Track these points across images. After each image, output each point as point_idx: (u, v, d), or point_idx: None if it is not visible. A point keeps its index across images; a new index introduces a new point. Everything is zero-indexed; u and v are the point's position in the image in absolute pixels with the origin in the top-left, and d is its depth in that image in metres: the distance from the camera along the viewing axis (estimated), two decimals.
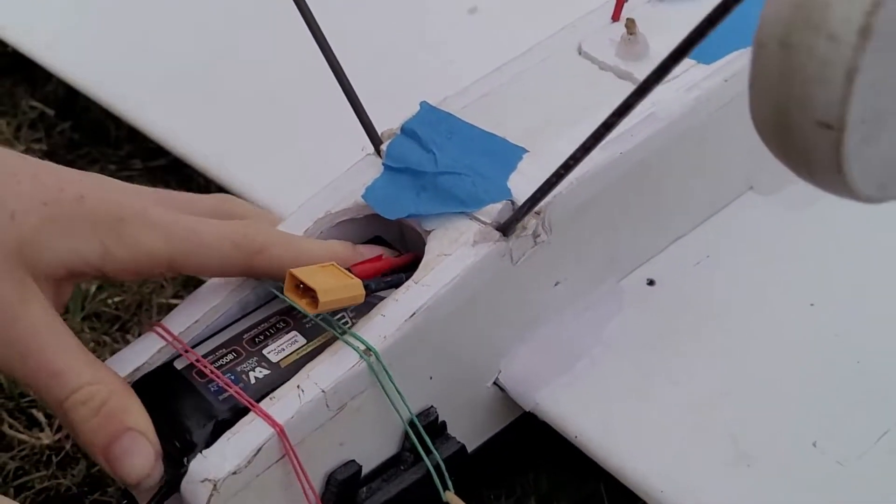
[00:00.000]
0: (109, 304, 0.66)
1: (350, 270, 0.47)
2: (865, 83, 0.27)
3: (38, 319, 0.44)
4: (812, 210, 0.58)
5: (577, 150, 0.43)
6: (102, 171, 0.74)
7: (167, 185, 0.73)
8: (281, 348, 0.48)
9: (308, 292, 0.45)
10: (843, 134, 0.27)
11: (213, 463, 0.44)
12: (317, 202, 0.52)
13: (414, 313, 0.47)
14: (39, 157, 0.68)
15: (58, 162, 0.74)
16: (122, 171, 0.75)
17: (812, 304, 0.54)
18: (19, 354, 0.44)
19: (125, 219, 0.45)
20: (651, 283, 0.56)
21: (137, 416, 0.45)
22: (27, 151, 0.76)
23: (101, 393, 0.44)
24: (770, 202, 0.59)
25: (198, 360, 0.47)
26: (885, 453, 0.48)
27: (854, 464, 0.48)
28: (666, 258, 0.57)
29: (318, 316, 0.47)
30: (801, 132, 0.28)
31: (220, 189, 0.66)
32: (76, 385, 0.44)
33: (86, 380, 0.44)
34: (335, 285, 0.45)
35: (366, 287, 0.47)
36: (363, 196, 0.51)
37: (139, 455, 0.44)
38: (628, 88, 0.54)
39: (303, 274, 0.45)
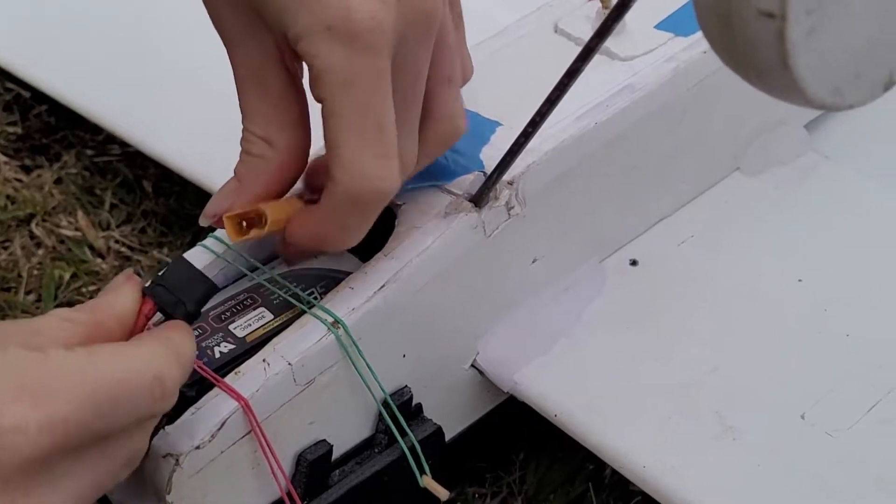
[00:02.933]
0: (84, 294, 0.65)
1: None
2: None
3: None
4: (799, 189, 0.58)
5: (542, 105, 0.42)
6: (79, 156, 0.75)
7: (146, 171, 0.73)
8: (247, 324, 0.47)
9: (251, 227, 0.45)
10: (786, 23, 0.27)
11: (176, 438, 0.43)
12: None
13: (383, 285, 0.47)
14: (14, 141, 0.67)
15: (34, 146, 0.74)
16: (101, 156, 0.75)
17: (800, 280, 0.54)
18: None
19: None
20: (634, 263, 0.55)
21: None
22: (1, 135, 0.76)
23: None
24: (757, 182, 0.58)
25: None
26: (876, 423, 0.48)
27: (844, 435, 0.47)
28: (650, 238, 0.56)
29: (286, 291, 0.47)
30: (744, 24, 0.27)
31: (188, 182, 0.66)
32: None
33: None
34: (282, 216, 0.45)
35: None
36: None
37: None
38: (605, 63, 0.54)
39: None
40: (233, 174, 0.45)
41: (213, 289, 0.44)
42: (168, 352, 0.39)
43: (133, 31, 0.75)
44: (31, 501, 0.35)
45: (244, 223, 0.45)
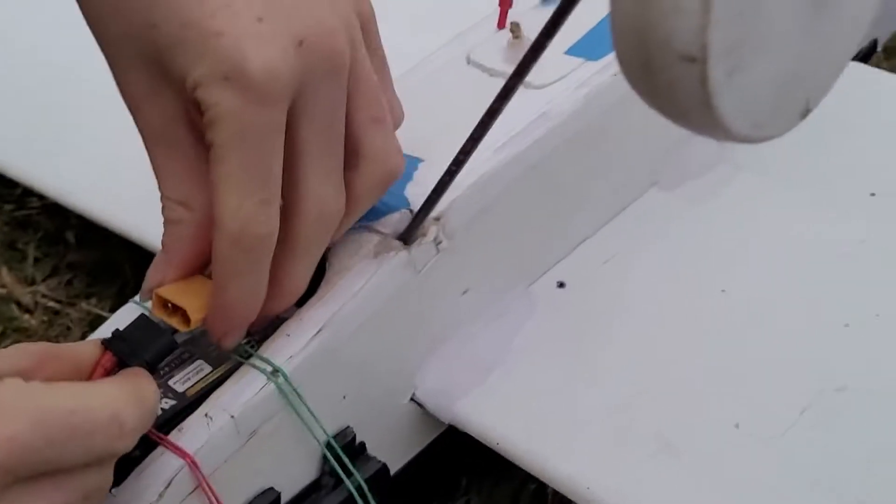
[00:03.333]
0: None
1: None
2: (724, 9, 0.26)
3: None
4: (716, 201, 0.58)
5: (466, 143, 0.42)
6: None
7: (68, 223, 0.71)
8: (187, 378, 0.46)
9: (178, 310, 0.44)
10: (707, 66, 0.27)
11: (123, 500, 0.43)
12: None
13: (319, 330, 0.46)
14: None
15: None
16: (21, 210, 0.73)
17: (723, 291, 0.54)
18: None
19: None
20: (562, 285, 0.55)
21: None
22: None
23: None
24: (673, 197, 0.59)
25: None
26: (809, 428, 0.48)
27: (778, 441, 0.48)
28: (575, 259, 0.56)
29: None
30: (664, 68, 0.27)
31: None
32: None
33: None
34: (203, 303, 0.44)
35: None
36: None
37: None
38: (520, 92, 0.54)
39: (169, 293, 0.44)
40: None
41: (172, 343, 0.44)
42: (128, 394, 0.39)
43: (41, 84, 0.74)
44: None
45: (169, 305, 0.44)
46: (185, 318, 0.44)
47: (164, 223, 0.44)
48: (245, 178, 0.41)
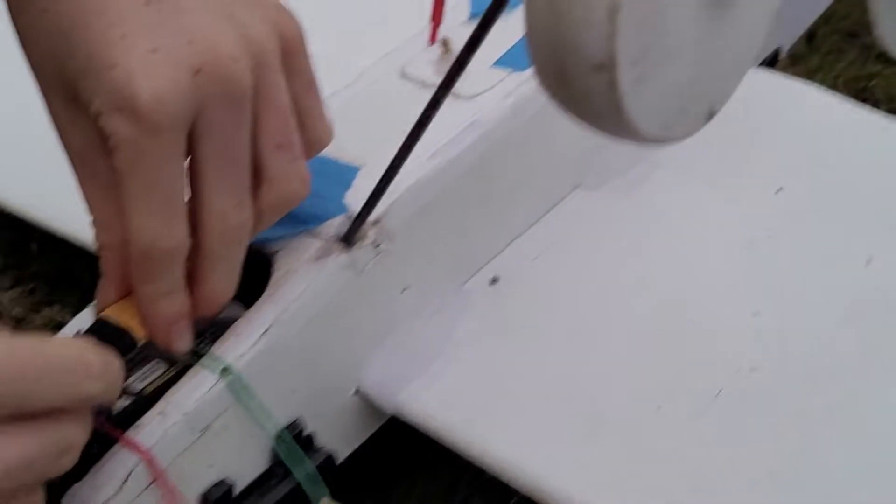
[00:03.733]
0: None
1: None
2: (629, 20, 0.26)
3: None
4: (634, 197, 0.59)
5: (400, 150, 0.42)
6: None
7: (30, 234, 0.70)
8: (143, 377, 0.45)
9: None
10: (616, 73, 0.27)
11: (84, 495, 0.42)
12: None
13: (266, 330, 0.46)
14: None
15: None
16: None
17: (642, 282, 0.54)
18: None
19: None
20: (495, 280, 0.55)
21: None
22: None
23: None
24: (596, 196, 0.59)
25: None
26: (723, 409, 0.48)
27: (696, 422, 0.48)
28: (507, 256, 0.56)
29: None
30: (578, 77, 0.27)
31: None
32: None
33: None
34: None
35: None
36: None
37: None
38: (451, 102, 0.54)
39: (115, 313, 0.44)
40: None
41: (131, 343, 0.43)
42: (90, 345, 0.38)
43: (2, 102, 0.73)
44: None
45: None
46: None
47: (97, 247, 0.43)
48: (147, 199, 0.40)
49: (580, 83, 0.27)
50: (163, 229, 0.41)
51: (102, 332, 0.43)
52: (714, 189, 0.58)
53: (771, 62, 0.73)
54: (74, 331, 0.44)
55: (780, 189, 0.58)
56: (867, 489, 0.45)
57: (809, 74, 0.81)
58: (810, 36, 0.85)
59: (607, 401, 0.49)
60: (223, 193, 0.42)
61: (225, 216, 0.42)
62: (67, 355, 0.36)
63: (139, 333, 0.44)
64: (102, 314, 0.44)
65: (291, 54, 0.43)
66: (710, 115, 0.31)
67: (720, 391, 0.49)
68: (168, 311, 0.43)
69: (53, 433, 0.36)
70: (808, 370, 0.49)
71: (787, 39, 0.76)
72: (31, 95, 0.66)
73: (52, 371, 0.36)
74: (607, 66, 0.26)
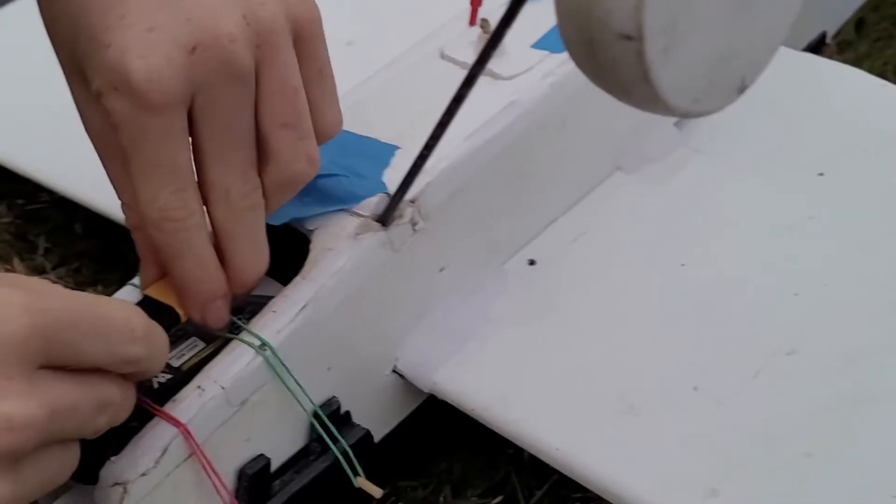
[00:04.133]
0: None
1: None
2: None
3: None
4: (675, 183, 0.58)
5: (435, 128, 0.42)
6: (11, 207, 0.73)
7: (75, 215, 0.71)
8: (181, 354, 0.46)
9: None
10: (644, 43, 0.27)
11: (122, 467, 0.42)
12: None
13: (303, 307, 0.46)
14: None
15: None
16: (32, 204, 0.73)
17: (683, 265, 0.54)
18: None
19: None
20: (532, 262, 0.55)
21: None
22: None
23: None
24: (636, 179, 0.59)
25: None
26: (761, 388, 0.48)
27: (733, 401, 0.48)
28: (545, 239, 0.56)
29: None
30: (606, 47, 0.27)
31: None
32: None
33: None
34: None
35: None
36: None
37: None
38: (489, 83, 0.54)
39: (156, 292, 0.44)
40: None
41: (176, 318, 0.44)
42: (138, 311, 0.39)
43: (50, 85, 0.73)
44: (7, 394, 0.34)
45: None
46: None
47: (129, 228, 0.44)
48: (153, 173, 0.41)
49: (607, 53, 0.27)
50: (172, 201, 0.41)
51: (146, 308, 0.44)
52: (755, 173, 0.58)
53: (816, 46, 0.73)
54: None
55: (822, 173, 0.58)
56: None
57: (858, 61, 0.80)
58: (859, 23, 0.84)
59: (643, 381, 0.49)
60: (225, 169, 0.42)
61: (228, 190, 0.43)
62: (116, 316, 0.38)
63: (182, 312, 0.44)
64: (146, 291, 0.45)
65: (304, 38, 0.43)
66: (742, 89, 0.31)
67: (758, 372, 0.48)
68: (197, 283, 0.43)
69: (96, 387, 0.37)
70: (847, 353, 0.49)
71: (832, 23, 0.75)
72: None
73: (104, 329, 0.37)
74: (634, 36, 0.26)
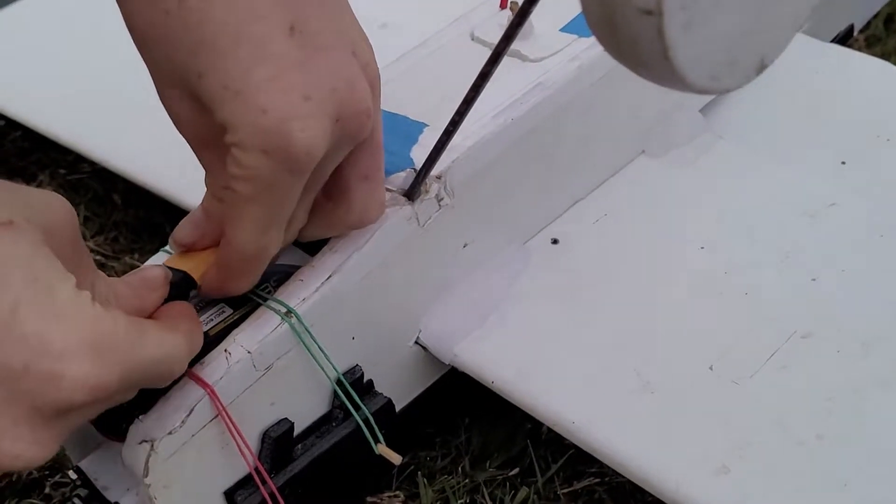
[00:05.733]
0: None
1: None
2: None
3: None
4: (698, 168, 0.58)
5: (461, 105, 0.42)
6: (53, 176, 0.74)
7: (115, 186, 0.72)
8: (210, 319, 0.46)
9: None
10: (663, 18, 0.26)
11: (149, 425, 0.43)
12: None
13: (329, 276, 0.46)
14: None
15: (11, 168, 0.73)
16: (73, 174, 0.74)
17: (702, 248, 0.54)
18: None
19: None
20: (555, 241, 0.55)
21: None
22: None
23: None
24: (660, 163, 0.59)
25: None
26: (776, 371, 0.48)
27: (748, 382, 0.48)
28: (568, 218, 0.56)
29: None
30: (626, 21, 0.27)
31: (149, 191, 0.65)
32: None
33: None
34: (203, 258, 0.45)
35: None
36: None
37: None
38: (518, 65, 0.54)
39: (176, 263, 0.45)
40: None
41: (193, 282, 0.45)
42: (188, 346, 0.41)
43: (94, 61, 0.74)
44: (34, 438, 0.35)
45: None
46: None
47: (203, 205, 0.44)
48: (270, 222, 0.41)
49: (628, 28, 0.27)
50: (270, 243, 0.42)
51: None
52: (778, 160, 0.58)
53: (844, 38, 0.72)
54: None
55: (844, 162, 0.57)
56: None
57: (886, 56, 0.79)
58: (888, 19, 0.83)
59: (660, 359, 0.49)
60: (300, 204, 0.43)
61: (293, 220, 0.44)
62: (166, 371, 0.40)
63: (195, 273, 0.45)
64: (166, 262, 0.45)
65: (376, 91, 0.43)
66: (762, 68, 0.31)
67: (773, 354, 0.48)
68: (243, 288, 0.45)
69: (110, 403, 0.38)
70: (861, 338, 0.49)
71: (860, 17, 0.74)
72: (119, 58, 0.67)
73: (148, 381, 0.39)
74: (654, 12, 0.26)
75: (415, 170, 0.49)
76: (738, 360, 0.48)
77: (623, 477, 0.46)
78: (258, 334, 0.45)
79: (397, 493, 0.53)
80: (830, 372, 0.48)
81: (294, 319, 0.45)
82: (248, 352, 0.44)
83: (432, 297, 0.51)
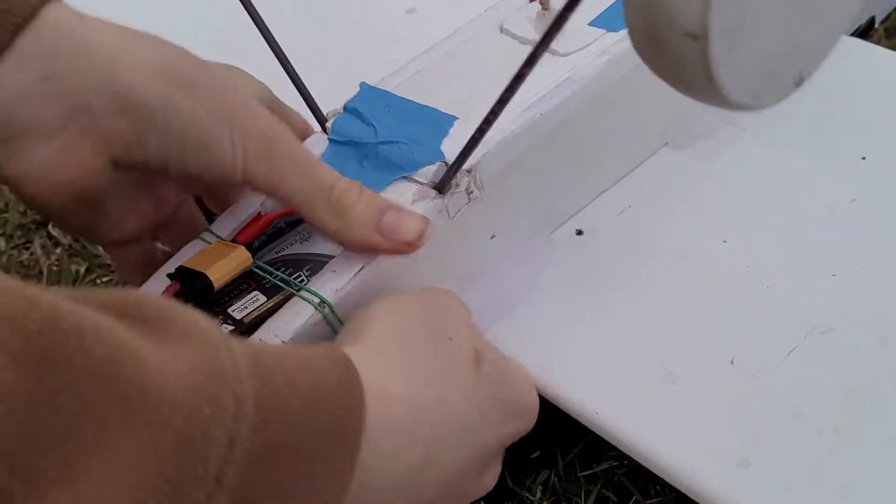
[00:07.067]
0: (98, 285, 0.65)
1: (235, 240, 0.48)
2: None
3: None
4: (721, 161, 0.58)
5: (495, 104, 0.42)
6: None
7: None
8: (244, 307, 0.47)
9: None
10: (708, 43, 0.27)
11: None
12: None
13: (362, 268, 0.47)
14: None
15: None
16: None
17: (725, 241, 0.54)
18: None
19: None
20: (580, 233, 0.55)
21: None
22: None
23: (354, 184, 0.46)
24: (683, 156, 0.59)
25: None
26: (796, 365, 0.48)
27: (768, 376, 0.48)
28: (593, 210, 0.56)
29: (277, 277, 0.47)
30: (671, 45, 0.27)
31: None
32: (335, 176, 0.46)
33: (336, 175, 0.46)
34: (223, 264, 0.46)
35: (249, 249, 0.48)
36: None
37: (409, 218, 0.46)
38: (547, 59, 0.54)
39: (192, 262, 0.46)
40: None
41: (210, 284, 0.46)
42: None
43: None
44: None
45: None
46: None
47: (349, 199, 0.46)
48: None
49: (672, 50, 0.27)
50: None
51: (181, 276, 0.46)
52: (799, 154, 0.58)
53: (865, 31, 0.72)
54: (177, 264, 0.47)
55: (865, 157, 0.57)
56: None
57: None
58: None
59: (683, 351, 0.49)
60: None
61: None
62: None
63: (214, 277, 0.46)
64: (182, 264, 0.47)
65: None
66: (800, 82, 0.31)
67: (793, 349, 0.49)
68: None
69: None
70: (880, 334, 0.49)
71: (882, 9, 0.74)
72: None
73: None
74: (700, 36, 0.26)
75: (445, 163, 0.49)
76: (759, 353, 0.49)
77: (643, 465, 0.47)
78: (292, 324, 0.45)
79: None
80: (849, 367, 0.48)
81: (327, 310, 0.45)
82: (283, 341, 0.45)
83: (460, 288, 0.51)
